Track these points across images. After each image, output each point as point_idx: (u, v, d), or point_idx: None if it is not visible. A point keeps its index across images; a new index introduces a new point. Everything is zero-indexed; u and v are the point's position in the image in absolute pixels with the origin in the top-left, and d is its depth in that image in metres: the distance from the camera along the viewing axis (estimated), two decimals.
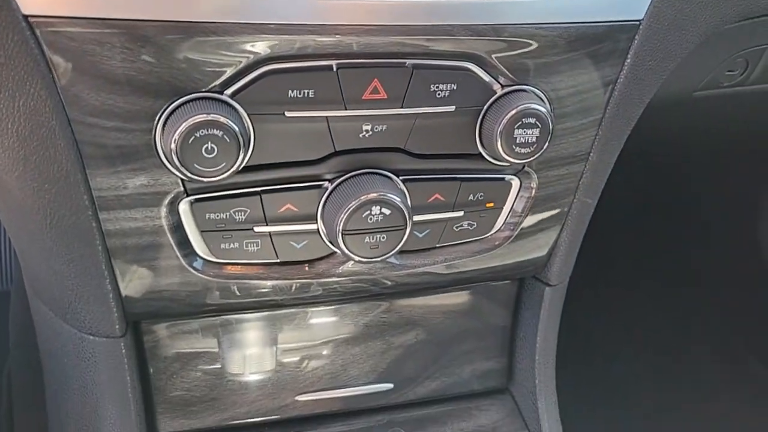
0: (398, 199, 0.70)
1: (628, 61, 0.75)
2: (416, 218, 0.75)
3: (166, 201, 0.67)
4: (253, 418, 0.87)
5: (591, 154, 0.80)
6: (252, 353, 0.85)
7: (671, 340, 1.82)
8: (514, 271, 0.86)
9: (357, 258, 0.72)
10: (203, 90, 0.62)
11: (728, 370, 1.76)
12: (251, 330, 0.84)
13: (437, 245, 0.80)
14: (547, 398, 0.92)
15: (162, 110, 0.62)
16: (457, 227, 0.79)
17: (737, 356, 1.78)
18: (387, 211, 0.70)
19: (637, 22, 0.73)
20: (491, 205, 0.79)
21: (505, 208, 0.80)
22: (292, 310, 0.85)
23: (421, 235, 0.78)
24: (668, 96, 0.98)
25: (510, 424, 0.93)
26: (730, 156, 1.61)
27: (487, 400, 0.95)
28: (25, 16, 0.56)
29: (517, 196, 0.80)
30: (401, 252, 0.79)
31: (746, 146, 1.55)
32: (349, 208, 0.69)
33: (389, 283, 0.81)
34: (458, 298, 0.91)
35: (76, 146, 0.63)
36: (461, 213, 0.78)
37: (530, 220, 0.82)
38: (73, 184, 0.64)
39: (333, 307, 0.86)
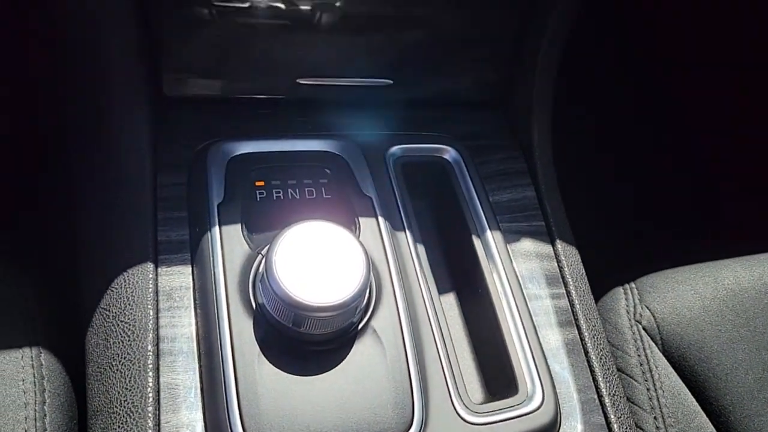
0: None
1: None
2: None
3: None
4: (255, 94, 0.90)
5: None
6: (257, 27, 0.85)
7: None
8: None
9: None
10: None
11: None
12: (258, 2, 0.84)
13: None
14: (541, 111, 0.94)
15: None
16: None
17: None
18: None
19: None
20: None
21: None
22: None
23: None
24: None
25: (502, 134, 0.96)
26: None
27: (483, 110, 0.98)
28: None
29: None
30: None
31: None
32: None
33: None
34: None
35: None
36: None
37: None
38: None
39: None
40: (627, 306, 0.93)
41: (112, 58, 0.81)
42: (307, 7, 0.85)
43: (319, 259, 0.69)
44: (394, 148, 0.90)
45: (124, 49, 0.80)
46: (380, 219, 0.81)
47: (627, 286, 0.96)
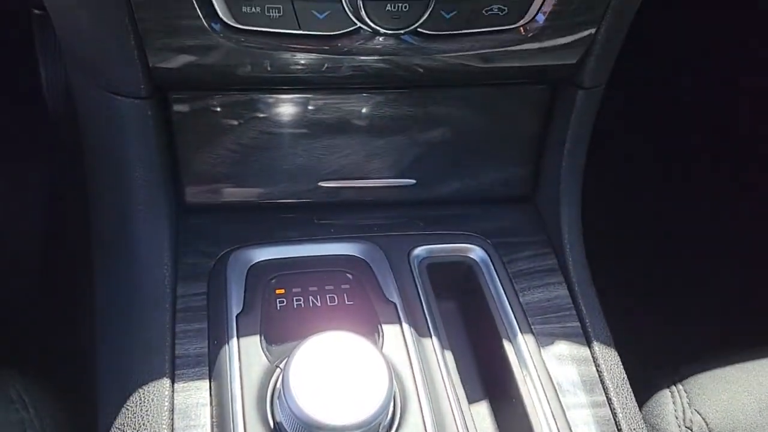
0: None
1: None
2: None
3: None
4: (276, 199, 0.90)
5: None
6: (278, 135, 0.86)
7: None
8: (545, 70, 0.83)
9: (377, 27, 0.71)
10: None
11: None
12: (278, 111, 0.85)
13: (465, 30, 0.78)
14: (570, 206, 0.91)
15: None
16: (486, 11, 0.76)
17: None
18: None
19: None
20: None
21: None
22: (319, 94, 0.85)
23: (448, 16, 0.76)
24: None
25: (531, 229, 0.93)
26: None
27: (510, 206, 0.95)
28: None
29: None
30: (427, 35, 0.77)
31: None
32: None
33: (412, 69, 0.79)
34: (489, 98, 0.89)
35: None
36: None
37: (565, 10, 0.78)
38: None
39: (359, 95, 0.86)
40: (675, 411, 0.87)
41: (134, 168, 0.81)
42: (329, 115, 0.86)
43: (340, 372, 0.65)
44: (419, 249, 0.87)
45: (146, 159, 0.81)
46: (405, 326, 0.78)
47: (674, 388, 0.90)
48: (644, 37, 1.11)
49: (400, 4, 0.70)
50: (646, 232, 1.71)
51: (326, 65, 0.78)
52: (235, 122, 0.85)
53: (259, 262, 0.82)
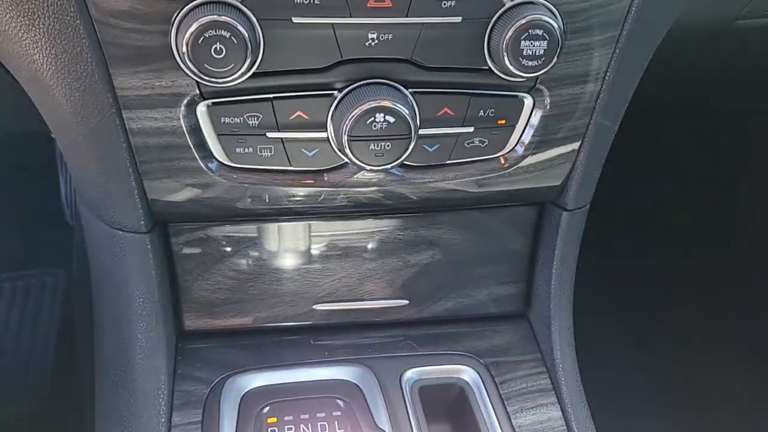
0: (402, 107, 0.72)
1: None
2: (425, 131, 0.77)
3: (184, 102, 0.72)
4: (272, 322, 0.92)
5: (608, 74, 0.79)
6: (273, 261, 0.90)
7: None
8: (529, 194, 0.87)
9: (363, 165, 0.75)
10: None
11: None
12: (273, 238, 0.89)
13: (448, 161, 0.82)
14: (561, 324, 0.93)
15: (176, 12, 0.66)
16: (468, 143, 0.81)
17: None
18: (391, 119, 0.72)
19: None
20: (503, 122, 0.80)
21: (517, 126, 0.81)
22: (312, 222, 0.89)
23: (431, 150, 0.80)
24: (706, 23, 0.95)
25: (524, 347, 0.94)
26: None
27: (503, 323, 0.97)
28: None
29: (530, 114, 0.80)
30: (413, 167, 0.81)
31: None
32: (354, 115, 0.72)
33: (401, 198, 0.83)
34: (477, 220, 0.93)
35: (99, 46, 0.68)
36: (471, 129, 0.79)
37: (545, 141, 0.82)
38: (98, 83, 0.70)
39: (351, 221, 0.89)
40: None
41: (134, 299, 0.84)
42: (323, 241, 0.89)
43: None
44: (411, 372, 0.88)
45: (146, 290, 0.84)
46: None
47: None
48: None
49: (383, 144, 0.74)
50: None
51: (317, 197, 0.82)
52: (233, 250, 0.88)
53: (252, 389, 0.83)
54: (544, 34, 0.71)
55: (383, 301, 0.94)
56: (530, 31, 0.70)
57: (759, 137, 1.58)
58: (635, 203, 1.84)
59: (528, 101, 0.79)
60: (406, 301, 0.94)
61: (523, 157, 0.82)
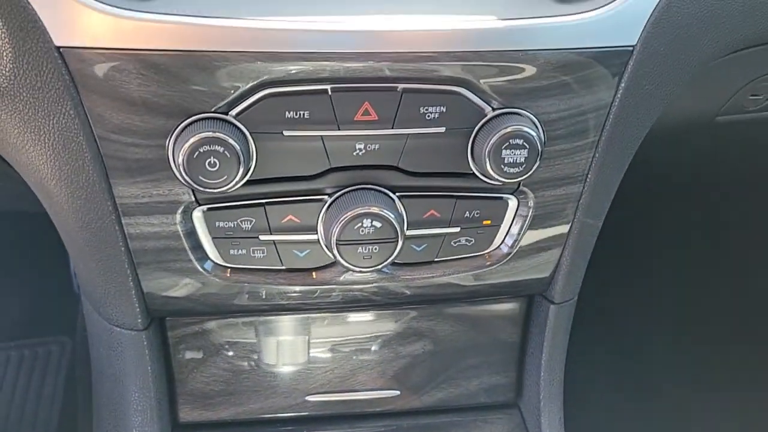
0: (388, 212, 0.75)
1: (623, 85, 0.77)
2: (413, 232, 0.80)
3: (180, 209, 0.75)
4: (266, 414, 0.94)
5: (589, 176, 0.82)
6: (267, 353, 0.92)
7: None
8: (516, 289, 0.89)
9: (351, 267, 0.78)
10: (210, 111, 0.70)
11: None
12: (267, 331, 0.91)
13: (436, 259, 0.84)
14: (551, 415, 0.94)
15: (174, 128, 0.70)
16: (454, 243, 0.83)
17: None
18: (378, 224, 0.75)
19: (630, 48, 0.75)
20: (488, 222, 0.83)
21: (502, 226, 0.84)
22: (304, 315, 0.91)
23: (419, 249, 0.83)
24: (688, 120, 0.99)
25: None
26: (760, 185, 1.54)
27: (494, 414, 0.98)
28: (57, 48, 0.66)
29: (515, 214, 0.83)
30: (402, 264, 0.84)
31: None
32: (343, 220, 0.75)
33: (392, 293, 0.86)
34: (466, 312, 0.95)
35: (101, 159, 0.72)
36: (458, 229, 0.82)
37: (530, 239, 0.85)
38: (99, 192, 0.74)
39: (343, 314, 0.92)
40: None
41: (130, 393, 0.86)
42: (315, 333, 0.91)
43: None
44: None
45: (141, 385, 0.86)
46: None
47: None
48: None
49: (370, 247, 0.77)
50: None
51: (310, 294, 0.84)
52: (228, 343, 0.91)
53: None
54: (524, 143, 0.74)
55: (375, 392, 0.95)
56: (511, 140, 0.74)
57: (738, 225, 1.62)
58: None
59: (512, 202, 0.82)
60: (398, 392, 0.96)
61: (509, 254, 0.85)
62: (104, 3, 0.64)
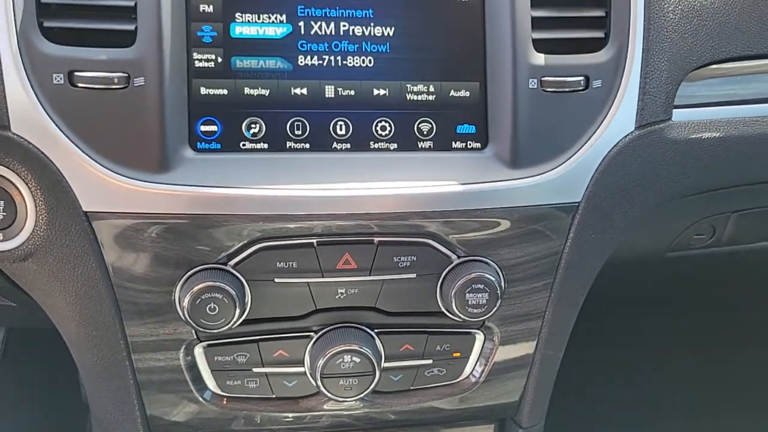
0: (367, 349, 0.85)
1: (571, 234, 0.89)
2: (389, 364, 0.90)
3: (184, 346, 0.86)
4: None
5: (546, 312, 0.93)
6: None
7: None
8: (487, 414, 0.98)
9: (334, 398, 0.87)
10: (212, 262, 0.82)
11: None
12: None
13: (411, 387, 0.94)
14: None
15: (180, 277, 0.82)
16: (428, 373, 0.93)
17: None
18: (357, 359, 0.85)
19: (576, 203, 0.87)
20: (458, 354, 0.93)
21: (471, 357, 0.93)
22: None
23: (395, 379, 0.92)
24: (640, 256, 1.10)
25: None
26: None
27: None
28: (85, 212, 0.78)
29: (482, 347, 0.93)
30: (380, 392, 0.93)
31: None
32: (326, 356, 0.85)
33: (375, 419, 0.94)
34: None
35: (116, 304, 0.83)
36: (430, 361, 0.92)
37: (496, 369, 0.94)
38: (113, 332, 0.84)
39: None
40: None
41: None
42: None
43: None
44: None
45: None
46: None
47: None
48: None
49: (351, 380, 0.86)
50: None
51: (300, 420, 0.93)
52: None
53: None
54: (485, 287, 0.85)
55: None
56: (473, 285, 0.85)
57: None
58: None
59: (479, 336, 0.92)
60: None
61: (477, 382, 0.94)
62: (128, 177, 0.77)
